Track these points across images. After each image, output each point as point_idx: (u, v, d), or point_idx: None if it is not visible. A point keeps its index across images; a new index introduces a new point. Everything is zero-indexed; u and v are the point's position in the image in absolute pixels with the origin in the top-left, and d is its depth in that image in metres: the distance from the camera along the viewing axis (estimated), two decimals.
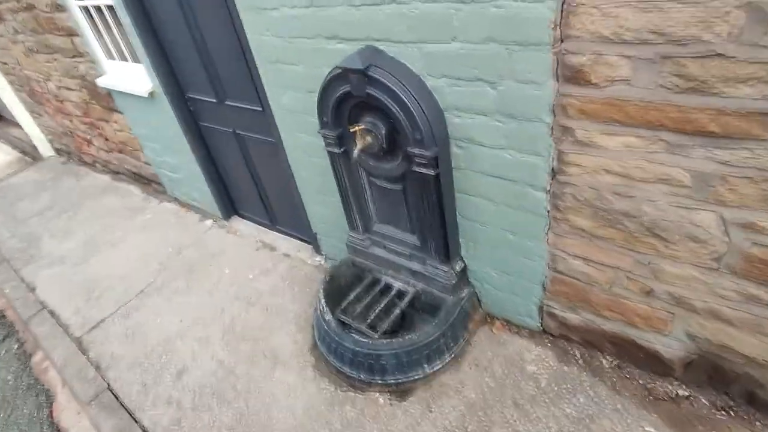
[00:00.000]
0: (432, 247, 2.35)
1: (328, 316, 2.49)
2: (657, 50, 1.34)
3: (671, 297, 1.83)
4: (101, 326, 3.27)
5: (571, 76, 1.54)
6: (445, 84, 1.85)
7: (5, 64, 5.47)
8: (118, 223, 4.41)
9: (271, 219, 3.73)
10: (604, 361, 2.25)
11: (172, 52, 3.20)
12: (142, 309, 3.32)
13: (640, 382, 2.13)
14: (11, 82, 5.74)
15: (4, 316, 3.74)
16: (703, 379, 1.99)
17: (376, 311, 2.51)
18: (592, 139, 1.63)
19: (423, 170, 2.02)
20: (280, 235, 3.71)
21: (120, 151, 4.76)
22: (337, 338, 2.41)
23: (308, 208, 3.11)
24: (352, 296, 2.65)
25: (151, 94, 3.45)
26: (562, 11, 1.43)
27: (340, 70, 1.97)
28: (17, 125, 6.14)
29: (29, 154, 6.44)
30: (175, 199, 4.54)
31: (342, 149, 2.30)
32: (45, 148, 6.22)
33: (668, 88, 1.38)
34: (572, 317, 2.24)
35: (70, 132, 5.37)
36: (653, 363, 2.08)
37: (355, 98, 2.04)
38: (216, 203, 3.95)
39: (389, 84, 1.87)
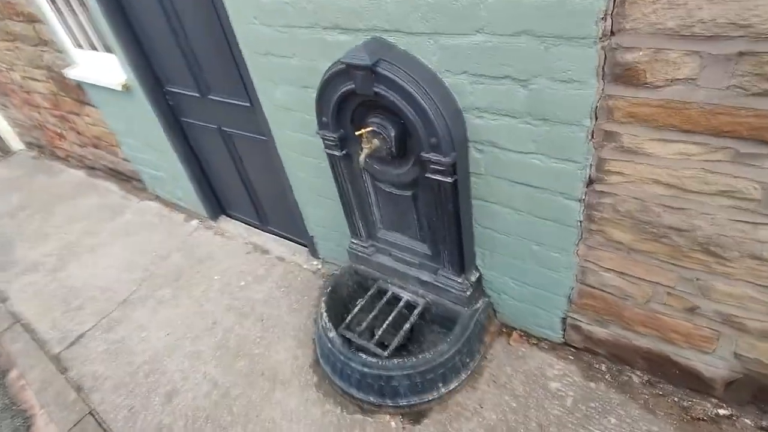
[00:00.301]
0: (445, 256, 2.13)
1: (332, 334, 2.28)
2: (734, 46, 1.12)
3: (719, 315, 1.65)
4: (81, 341, 3.02)
5: (621, 74, 1.31)
6: (465, 81, 1.62)
7: None
8: (97, 224, 4.11)
9: (261, 219, 3.48)
10: (633, 377, 2.08)
11: (148, 42, 2.90)
12: (126, 321, 3.07)
13: (675, 399, 1.97)
14: None
15: None
16: (746, 399, 1.83)
17: (384, 326, 2.30)
18: (641, 146, 1.42)
19: (438, 177, 1.79)
20: (272, 236, 3.46)
21: (95, 146, 4.43)
22: (342, 358, 2.20)
23: (304, 210, 2.87)
24: (356, 309, 2.43)
25: (125, 86, 3.14)
26: (615, 0, 1.21)
27: (342, 66, 1.71)
28: None
29: None
30: (158, 198, 4.24)
31: (344, 152, 2.06)
32: (14, 142, 5.84)
33: (744, 89, 1.16)
34: (599, 331, 2.06)
35: (40, 125, 5.01)
36: (690, 380, 1.92)
37: (359, 96, 1.80)
38: (201, 202, 3.68)
39: (400, 81, 1.63)
